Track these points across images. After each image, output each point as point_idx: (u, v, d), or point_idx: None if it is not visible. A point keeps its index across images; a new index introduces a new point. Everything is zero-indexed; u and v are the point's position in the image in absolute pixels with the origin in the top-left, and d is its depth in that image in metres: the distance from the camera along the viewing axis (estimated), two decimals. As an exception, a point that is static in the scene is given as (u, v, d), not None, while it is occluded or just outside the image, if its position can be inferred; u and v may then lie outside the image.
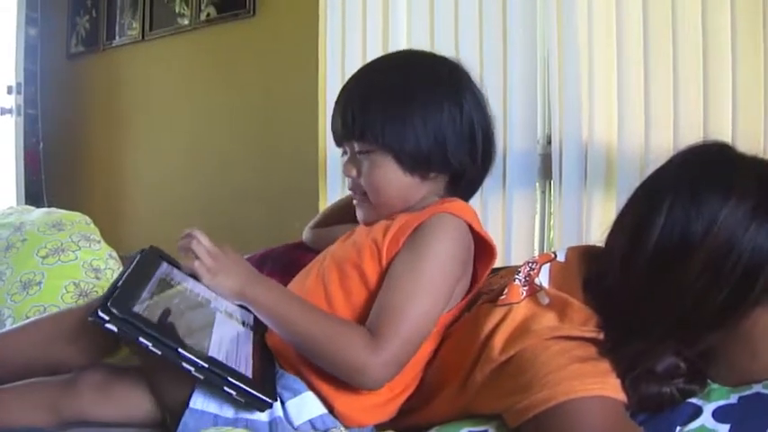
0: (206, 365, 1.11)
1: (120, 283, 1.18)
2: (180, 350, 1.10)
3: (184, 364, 1.10)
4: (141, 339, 1.09)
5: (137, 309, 1.12)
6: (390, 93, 1.27)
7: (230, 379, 1.12)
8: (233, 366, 1.16)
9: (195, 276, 1.22)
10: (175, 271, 1.37)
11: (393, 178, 1.27)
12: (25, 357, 1.33)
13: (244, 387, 1.13)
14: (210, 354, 1.15)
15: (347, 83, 1.34)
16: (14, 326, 1.61)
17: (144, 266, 1.30)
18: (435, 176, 1.29)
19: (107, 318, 1.07)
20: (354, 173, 1.31)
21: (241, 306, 1.41)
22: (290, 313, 1.17)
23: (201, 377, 1.12)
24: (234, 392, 1.13)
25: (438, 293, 1.18)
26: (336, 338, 1.14)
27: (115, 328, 1.08)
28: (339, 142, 1.34)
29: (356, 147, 1.29)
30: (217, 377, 1.12)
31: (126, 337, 1.10)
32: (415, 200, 1.30)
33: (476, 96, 1.31)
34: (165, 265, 1.35)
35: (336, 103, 1.32)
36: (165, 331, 1.13)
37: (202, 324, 1.25)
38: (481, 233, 1.26)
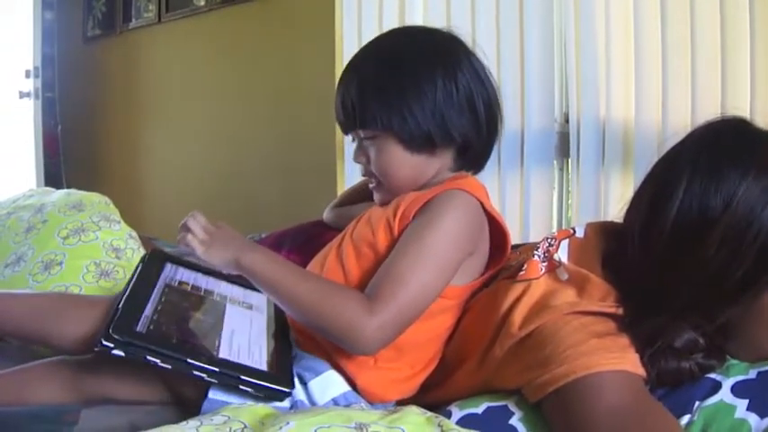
0: (217, 370, 1.12)
1: (121, 303, 1.18)
2: (189, 360, 1.11)
3: (196, 373, 1.11)
4: (149, 358, 1.10)
5: (140, 327, 1.14)
6: (384, 77, 1.27)
7: (244, 377, 1.13)
8: (246, 363, 1.17)
9: (190, 252, 1.21)
10: (180, 270, 1.38)
11: (400, 161, 1.28)
12: (26, 321, 1.38)
13: (259, 383, 1.13)
14: (221, 354, 1.16)
15: (344, 71, 1.33)
16: (30, 291, 1.65)
17: (146, 276, 1.31)
18: (442, 152, 1.29)
19: (112, 345, 1.08)
20: (364, 160, 1.32)
21: (246, 286, 1.42)
22: (285, 278, 1.16)
23: (216, 381, 1.12)
24: (251, 389, 1.13)
25: (441, 266, 1.18)
26: (332, 301, 1.13)
27: (122, 353, 1.09)
28: (345, 131, 1.34)
29: (361, 134, 1.30)
30: (231, 378, 1.12)
31: (134, 359, 1.11)
32: (427, 177, 1.30)
33: (473, 67, 1.30)
34: (168, 267, 1.36)
35: (336, 92, 1.32)
36: (171, 344, 1.14)
37: (212, 321, 1.26)
38: (491, 212, 1.26)
